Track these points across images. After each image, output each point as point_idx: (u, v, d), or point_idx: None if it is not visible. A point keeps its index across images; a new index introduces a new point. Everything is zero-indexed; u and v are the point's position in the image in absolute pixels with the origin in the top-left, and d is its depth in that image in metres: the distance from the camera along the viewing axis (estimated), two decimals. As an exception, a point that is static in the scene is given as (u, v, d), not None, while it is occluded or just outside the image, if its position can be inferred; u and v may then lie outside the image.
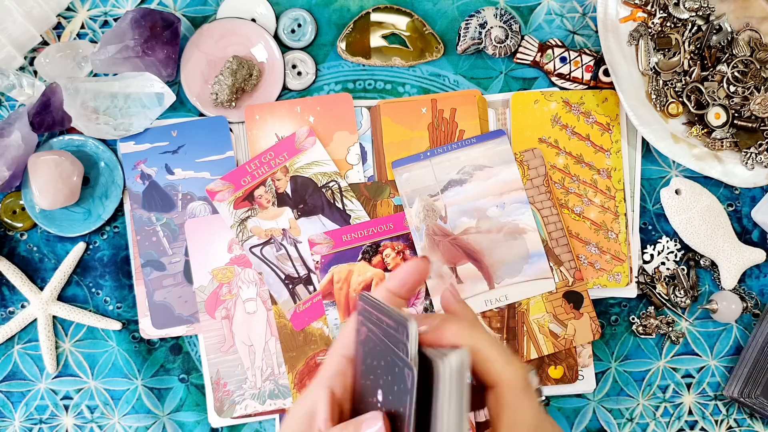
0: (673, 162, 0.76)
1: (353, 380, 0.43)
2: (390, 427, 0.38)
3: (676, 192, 0.75)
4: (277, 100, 0.75)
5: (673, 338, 0.76)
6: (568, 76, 0.76)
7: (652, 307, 0.76)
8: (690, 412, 0.77)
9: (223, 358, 0.73)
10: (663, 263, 0.76)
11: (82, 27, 0.76)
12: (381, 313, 0.41)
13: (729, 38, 0.75)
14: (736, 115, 0.74)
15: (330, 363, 0.44)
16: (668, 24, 0.75)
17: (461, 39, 0.75)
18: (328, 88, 0.76)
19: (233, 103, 0.74)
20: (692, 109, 0.75)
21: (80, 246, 0.74)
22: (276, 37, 0.76)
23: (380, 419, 0.38)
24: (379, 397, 0.40)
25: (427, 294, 0.73)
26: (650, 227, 0.77)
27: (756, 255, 0.75)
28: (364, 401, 0.42)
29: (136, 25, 0.71)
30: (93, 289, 0.75)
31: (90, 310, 0.75)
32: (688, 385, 0.77)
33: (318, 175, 0.74)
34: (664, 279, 0.76)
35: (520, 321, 0.73)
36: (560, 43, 0.76)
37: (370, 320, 0.42)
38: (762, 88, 0.74)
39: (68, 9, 0.76)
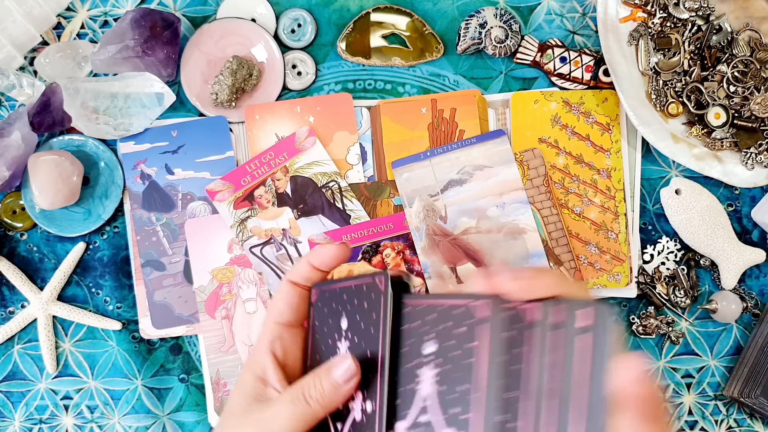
0: (673, 162, 0.76)
1: (303, 346, 0.47)
2: (359, 366, 0.41)
3: (676, 192, 0.75)
4: (277, 100, 0.75)
5: (673, 338, 0.76)
6: (568, 76, 0.76)
7: (652, 307, 0.76)
8: (690, 412, 0.77)
9: (223, 358, 0.73)
10: (663, 263, 0.76)
11: (82, 27, 0.76)
12: (349, 281, 0.45)
13: (729, 38, 0.75)
14: (736, 115, 0.74)
15: (266, 330, 0.47)
16: (668, 24, 0.75)
17: (461, 39, 0.75)
18: (328, 88, 0.76)
19: (233, 103, 0.74)
20: (692, 109, 0.75)
21: (80, 246, 0.74)
22: (276, 37, 0.76)
23: (348, 357, 0.41)
24: (342, 350, 0.44)
25: (427, 292, 0.73)
26: (650, 227, 0.77)
27: (756, 255, 0.75)
28: (323, 360, 0.45)
29: (136, 25, 0.71)
30: (93, 289, 0.75)
31: (90, 310, 0.75)
32: (688, 385, 0.77)
33: (318, 175, 0.74)
34: (664, 279, 0.76)
35: (520, 321, 0.73)
36: (560, 43, 0.76)
37: (333, 293, 0.46)
38: (762, 88, 0.74)
39: (68, 9, 0.76)
